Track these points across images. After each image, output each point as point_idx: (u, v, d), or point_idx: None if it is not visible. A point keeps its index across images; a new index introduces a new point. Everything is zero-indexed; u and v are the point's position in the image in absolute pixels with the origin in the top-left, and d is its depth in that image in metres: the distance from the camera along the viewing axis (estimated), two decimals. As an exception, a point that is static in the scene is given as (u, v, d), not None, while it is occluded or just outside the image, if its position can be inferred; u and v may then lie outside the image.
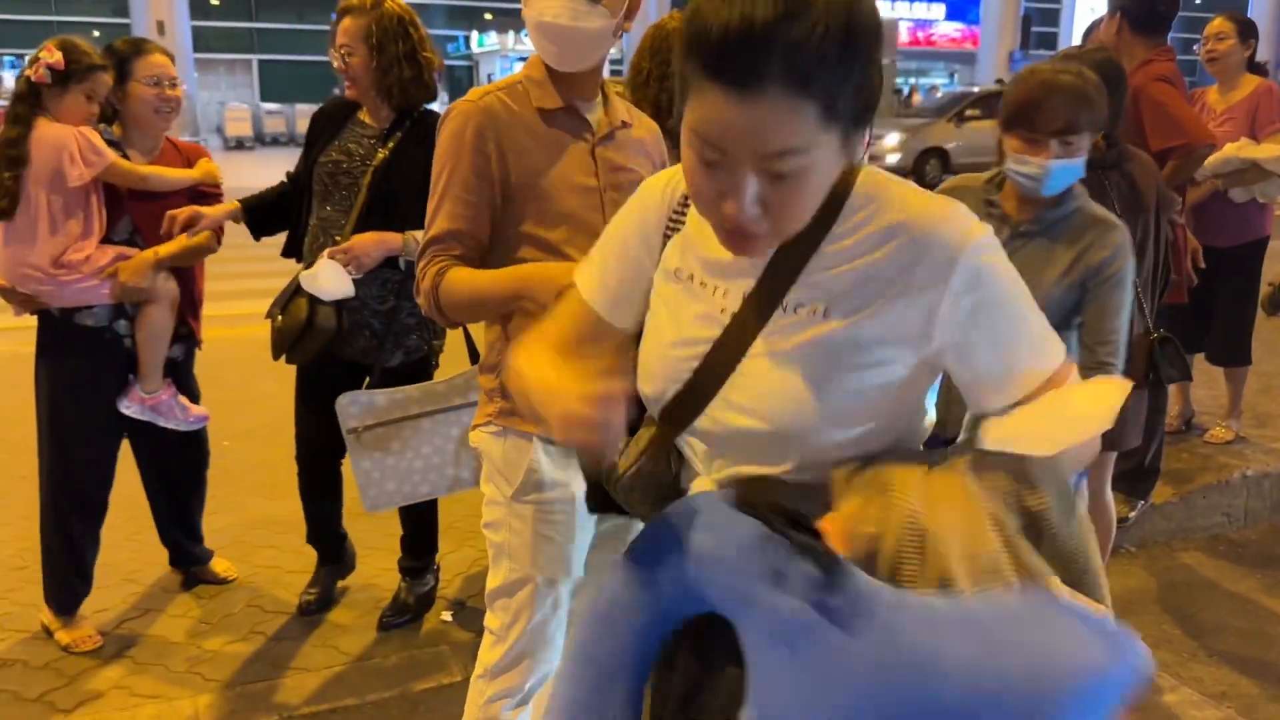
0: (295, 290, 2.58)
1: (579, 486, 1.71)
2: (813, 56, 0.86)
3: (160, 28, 23.64)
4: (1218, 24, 3.91)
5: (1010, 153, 2.03)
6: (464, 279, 1.63)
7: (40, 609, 2.84)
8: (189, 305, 2.85)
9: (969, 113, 17.06)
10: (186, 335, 2.88)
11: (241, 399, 4.66)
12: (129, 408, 2.76)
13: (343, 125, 2.67)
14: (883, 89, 0.96)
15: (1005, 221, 2.10)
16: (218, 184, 2.88)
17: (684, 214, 1.14)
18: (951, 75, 41.85)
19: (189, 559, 3.14)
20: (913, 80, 38.18)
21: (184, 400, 2.87)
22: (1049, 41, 39.82)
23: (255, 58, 31.67)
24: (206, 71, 28.68)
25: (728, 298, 1.07)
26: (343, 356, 2.64)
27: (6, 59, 28.85)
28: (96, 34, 29.46)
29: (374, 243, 2.48)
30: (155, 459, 3.00)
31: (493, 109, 1.65)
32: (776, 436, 1.03)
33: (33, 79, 2.56)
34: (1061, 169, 1.99)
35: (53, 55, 2.55)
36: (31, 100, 2.58)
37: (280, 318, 2.60)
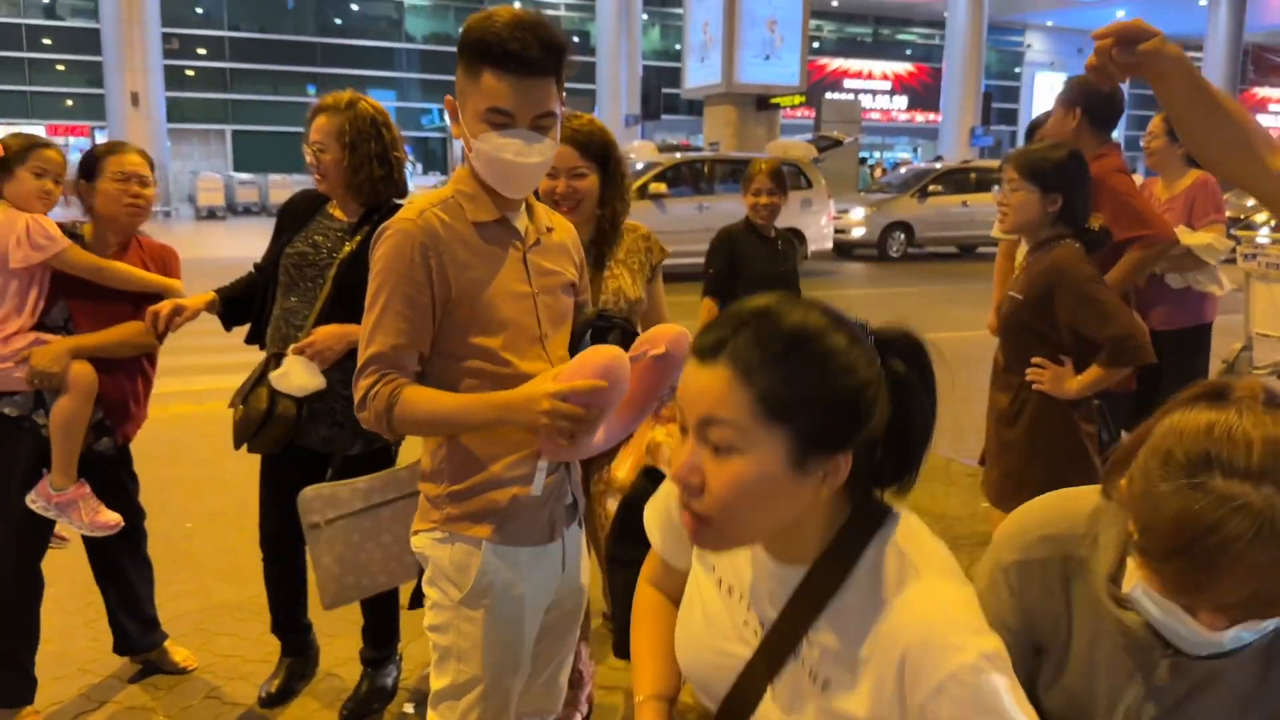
0: (257, 381, 2.60)
1: (527, 585, 1.77)
2: (757, 350, 0.95)
3: (135, 99, 23.77)
4: (1155, 122, 4.11)
5: (1150, 591, 1.08)
6: (424, 401, 1.67)
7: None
8: (123, 401, 2.80)
9: (932, 188, 17.52)
10: (112, 429, 2.81)
11: (207, 478, 4.63)
12: (35, 502, 2.69)
13: (311, 217, 2.72)
14: (857, 392, 0.96)
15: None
16: (176, 294, 2.81)
17: None
18: (915, 149, 42.99)
19: (137, 646, 3.05)
20: (877, 155, 39.18)
21: (95, 504, 2.78)
22: (1009, 117, 41.08)
23: (229, 128, 31.95)
24: (180, 141, 28.86)
25: (750, 614, 1.09)
26: (304, 445, 2.65)
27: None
28: (70, 103, 29.67)
29: (337, 336, 2.51)
30: (95, 542, 2.91)
31: (432, 226, 1.69)
32: None
33: None
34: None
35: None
36: None
37: (241, 408, 2.62)
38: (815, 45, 33.91)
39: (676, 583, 1.26)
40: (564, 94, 1.74)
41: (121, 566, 2.99)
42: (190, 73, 30.46)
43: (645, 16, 32.13)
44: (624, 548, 1.89)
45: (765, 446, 0.94)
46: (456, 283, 1.69)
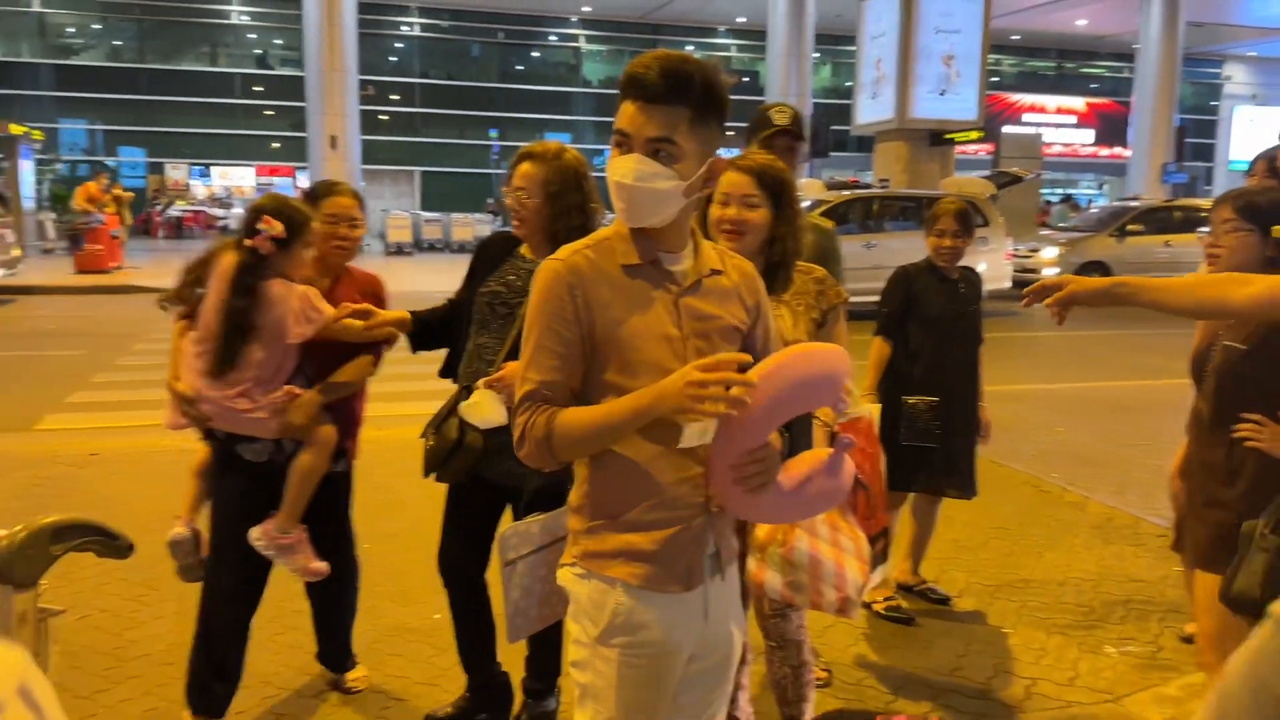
0: (449, 413, 2.72)
1: (663, 630, 1.73)
2: None
3: (333, 141, 25.46)
4: None
5: None
6: (577, 417, 1.69)
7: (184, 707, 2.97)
8: (347, 425, 3.03)
9: (1131, 227, 16.60)
10: (343, 453, 3.06)
11: (386, 501, 4.84)
12: (258, 540, 2.89)
13: (504, 258, 2.83)
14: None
15: None
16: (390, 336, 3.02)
17: None
18: (1100, 186, 40.81)
19: (332, 663, 3.25)
20: (1065, 191, 37.46)
21: (310, 552, 2.99)
22: (1204, 153, 38.43)
23: (418, 169, 33.75)
24: (373, 181, 30.66)
25: None
26: (489, 477, 2.73)
27: (195, 169, 31.60)
28: (276, 145, 32.08)
29: None
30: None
31: (577, 265, 1.72)
32: None
33: (261, 251, 2.78)
34: None
35: (274, 227, 2.76)
36: (257, 271, 2.79)
37: (432, 438, 2.74)
38: (994, 80, 32.85)
39: None
40: (722, 133, 1.75)
41: (326, 585, 3.16)
42: (384, 117, 32.40)
43: (816, 55, 32.02)
44: None
45: None
46: (599, 322, 1.70)
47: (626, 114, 1.69)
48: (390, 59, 33.91)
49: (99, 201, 18.09)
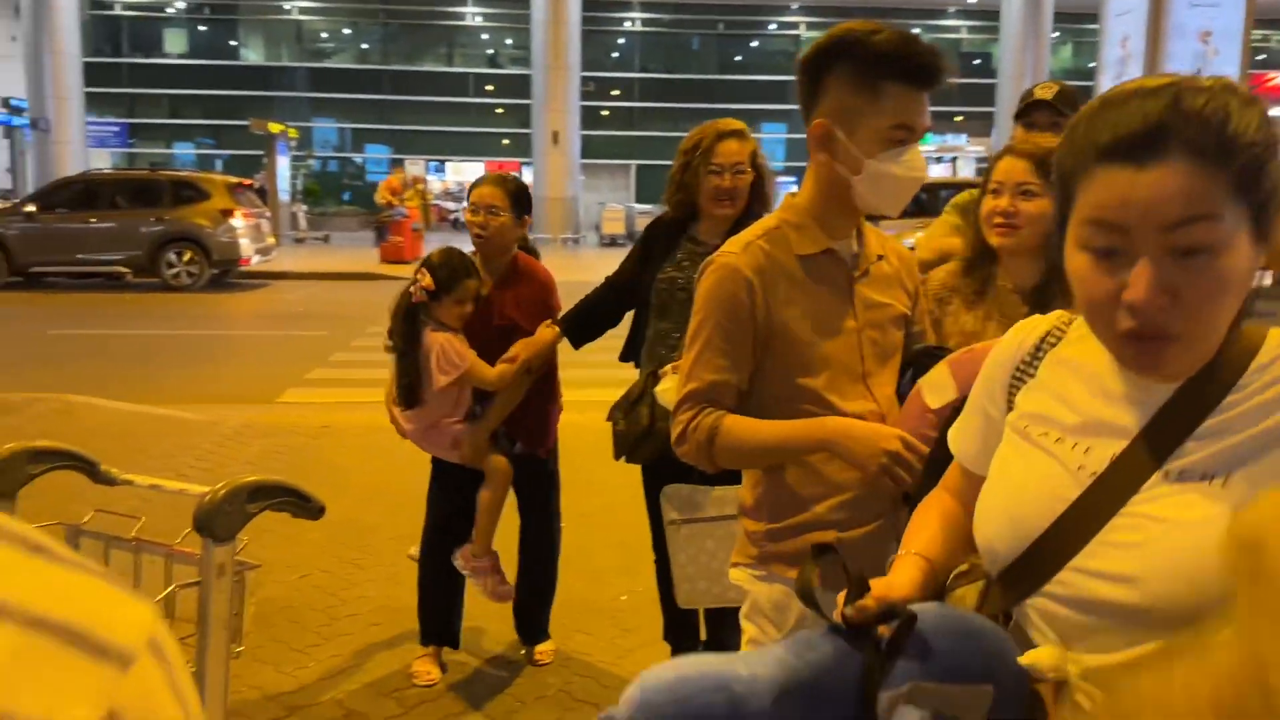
0: (639, 397, 2.75)
1: None
2: (1213, 124, 0.87)
3: (555, 137, 26.40)
4: None
5: None
6: (745, 429, 1.64)
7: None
8: (543, 420, 3.24)
9: None
10: (538, 441, 3.26)
11: (581, 482, 4.94)
12: (458, 563, 3.19)
13: (676, 242, 2.84)
14: None
15: None
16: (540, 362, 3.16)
17: (1035, 363, 1.09)
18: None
19: (527, 636, 3.38)
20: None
21: (500, 576, 3.24)
22: None
23: (634, 163, 34.45)
24: (591, 175, 31.57)
25: (1090, 455, 0.99)
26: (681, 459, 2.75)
27: (431, 165, 33.60)
28: (505, 142, 33.62)
29: None
30: (522, 539, 3.36)
31: (756, 260, 1.65)
32: (1150, 614, 0.91)
33: (414, 299, 3.02)
34: None
35: (426, 279, 3.00)
36: (411, 316, 3.04)
37: (622, 422, 2.78)
38: (1260, 58, 29.72)
39: (973, 492, 1.14)
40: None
41: (529, 569, 3.36)
42: (604, 113, 33.28)
43: (1055, 34, 30.08)
44: None
45: (1237, 227, 0.89)
46: (777, 319, 1.64)
47: (912, 103, 1.57)
48: (611, 55, 34.75)
49: (400, 195, 18.88)
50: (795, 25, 35.44)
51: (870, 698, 0.89)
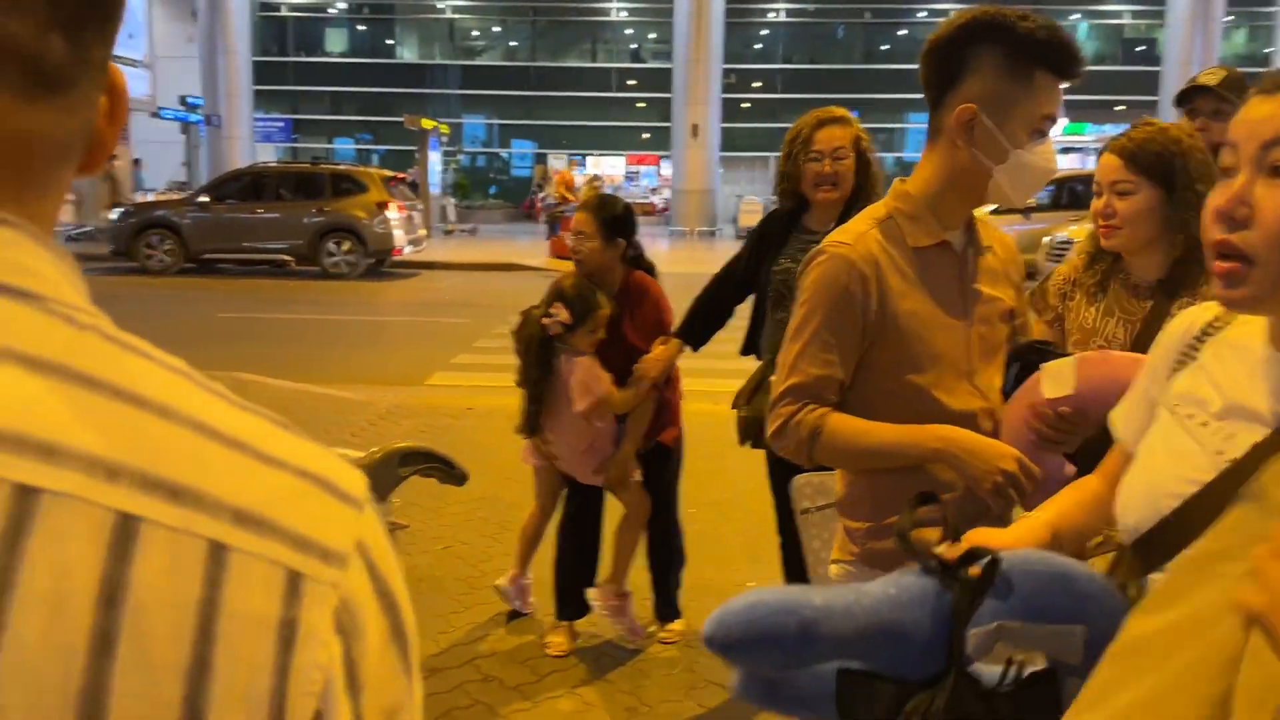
0: (759, 385, 2.81)
1: None
2: None
3: (695, 130, 26.48)
4: None
5: None
6: (852, 431, 1.60)
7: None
8: (662, 415, 3.33)
9: None
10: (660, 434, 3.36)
11: (712, 469, 5.01)
12: (594, 601, 3.38)
13: (788, 234, 2.86)
14: None
15: None
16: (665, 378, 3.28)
17: (1199, 345, 1.13)
18: None
19: (659, 614, 3.51)
20: None
21: (633, 616, 3.41)
22: None
23: (773, 155, 34.17)
24: (730, 168, 31.49)
25: (1231, 442, 1.02)
26: None
27: (574, 159, 34.18)
28: (645, 136, 33.91)
29: None
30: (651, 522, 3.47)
31: (869, 251, 1.59)
32: None
33: (550, 331, 3.15)
34: None
35: (562, 314, 3.13)
36: (545, 346, 3.19)
37: (745, 409, 2.83)
38: None
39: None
40: None
41: (656, 549, 3.50)
42: (745, 105, 33.15)
43: (1228, 18, 28.19)
44: None
45: None
46: (889, 313, 1.59)
47: (1057, 94, 1.55)
48: (754, 47, 34.53)
49: (574, 190, 19.00)
50: (946, 13, 34.37)
51: (957, 635, 0.93)
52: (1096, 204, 2.06)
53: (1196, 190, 1.90)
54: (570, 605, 3.39)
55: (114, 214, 15.19)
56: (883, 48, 35.08)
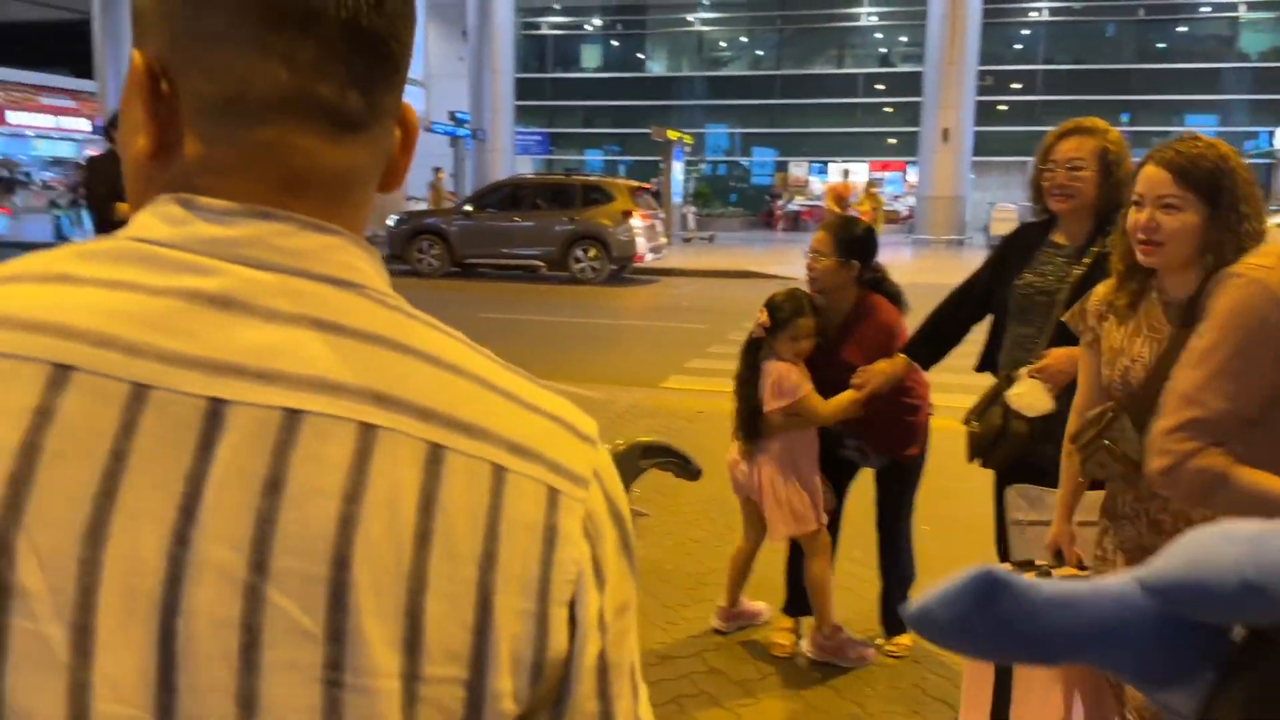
0: (991, 401, 2.74)
1: None
2: None
3: (945, 134, 25.56)
4: None
5: None
6: (1262, 483, 1.48)
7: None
8: (904, 433, 3.32)
9: None
10: (889, 450, 3.36)
11: (953, 488, 4.87)
12: (809, 652, 3.36)
13: (1034, 249, 2.76)
14: None
15: None
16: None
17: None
18: None
19: (887, 628, 3.49)
20: None
21: (853, 642, 3.36)
22: None
23: (1029, 160, 32.40)
24: (982, 174, 30.19)
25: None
26: (1034, 463, 2.68)
27: (814, 166, 33.93)
28: (892, 141, 33.07)
29: (1069, 359, 2.50)
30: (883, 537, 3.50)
31: None
32: None
33: (753, 335, 3.31)
34: None
35: (764, 317, 3.25)
36: (754, 349, 3.31)
37: (976, 425, 2.78)
38: None
39: None
40: None
41: (887, 564, 3.49)
42: (1002, 107, 31.65)
43: None
44: None
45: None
46: None
47: None
48: (1013, 47, 32.90)
49: (844, 202, 18.24)
50: (1234, 6, 31.34)
51: None
52: (1137, 218, 1.89)
53: (1239, 211, 1.79)
54: (799, 601, 3.43)
55: (391, 220, 16.66)
56: (1159, 46, 32.43)
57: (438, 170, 21.76)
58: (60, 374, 0.51)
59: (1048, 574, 2.26)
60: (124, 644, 0.50)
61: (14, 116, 25.12)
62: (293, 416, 0.53)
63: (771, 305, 3.27)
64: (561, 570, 0.58)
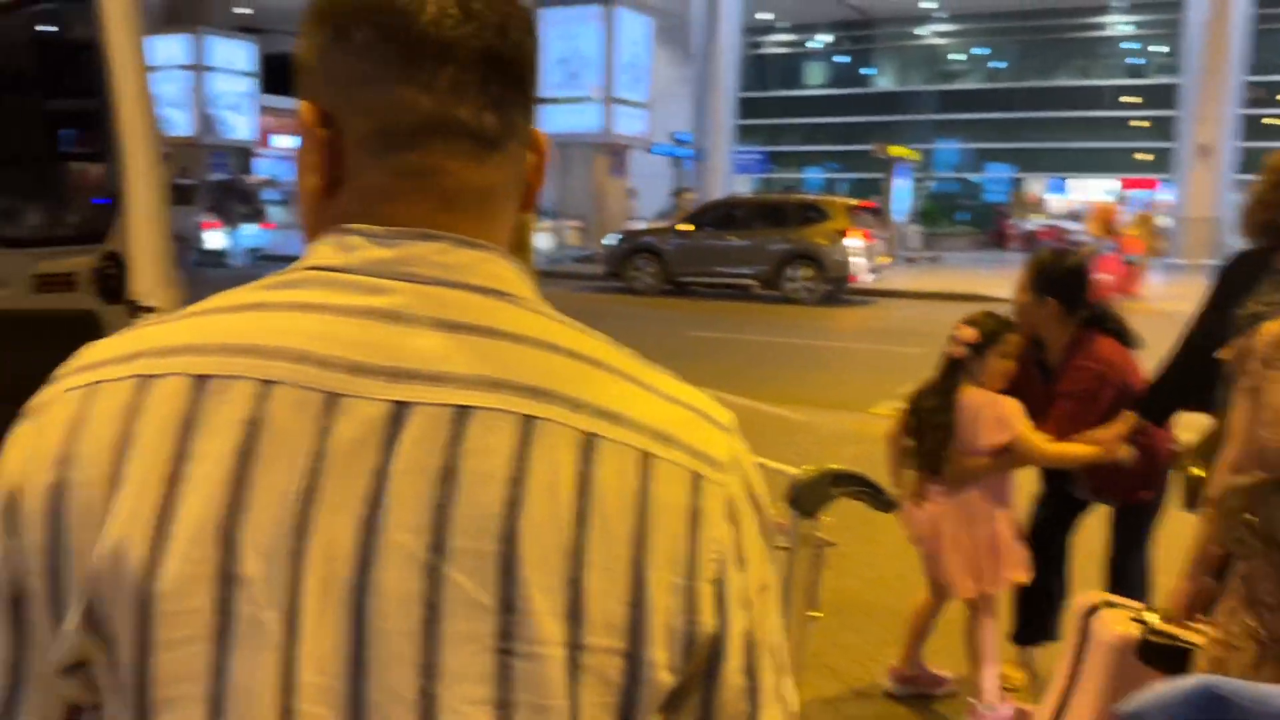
0: (1215, 443, 2.47)
1: None
2: None
3: (1203, 151, 23.53)
4: None
5: None
6: None
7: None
8: (1140, 477, 2.98)
9: None
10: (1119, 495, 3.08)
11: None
12: (894, 685, 3.21)
13: (1259, 274, 2.45)
14: None
15: None
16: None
17: None
18: None
19: None
20: None
21: (934, 675, 3.21)
22: None
23: (1305, 177, 29.20)
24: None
25: None
26: None
27: (1052, 183, 32.06)
28: (1141, 157, 30.75)
29: None
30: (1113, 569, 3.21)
31: None
32: None
33: (954, 356, 2.94)
34: None
35: (966, 334, 2.92)
36: (954, 374, 2.95)
37: (1197, 467, 2.52)
38: None
39: None
40: None
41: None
42: (1271, 121, 28.77)
43: None
44: None
45: None
46: None
47: None
48: (1288, 54, 29.86)
49: (1110, 226, 15.94)
50: None
51: None
52: None
53: None
54: (1029, 628, 3.19)
55: (610, 239, 17.11)
56: None
57: (684, 190, 22.26)
58: (265, 389, 0.60)
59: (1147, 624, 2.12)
60: (324, 623, 0.58)
61: (279, 140, 27.80)
62: (462, 413, 0.60)
63: (976, 320, 2.96)
64: (706, 549, 0.62)
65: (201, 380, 0.60)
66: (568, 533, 0.59)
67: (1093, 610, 2.29)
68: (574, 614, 0.58)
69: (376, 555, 0.58)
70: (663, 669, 0.60)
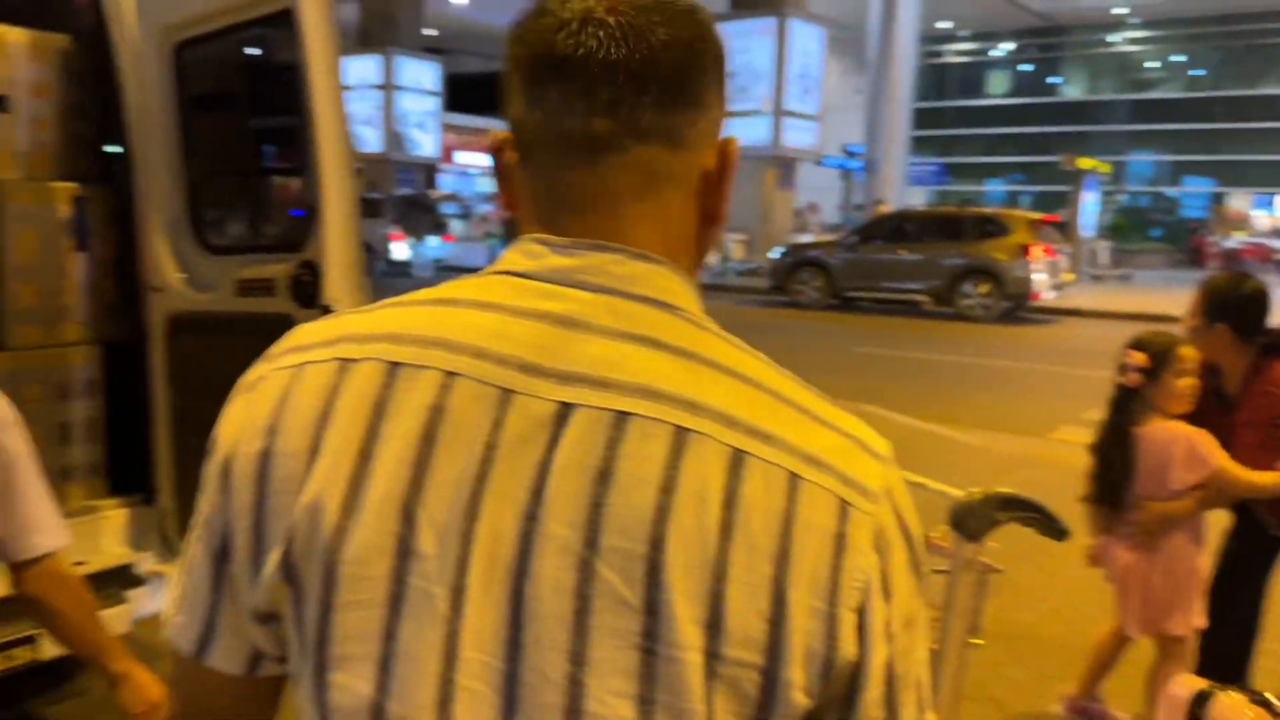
0: None
1: None
2: None
3: None
4: None
5: None
6: None
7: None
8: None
9: None
10: None
11: None
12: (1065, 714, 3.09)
13: None
14: None
15: None
16: None
17: None
18: None
19: None
20: None
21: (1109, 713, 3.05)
22: None
23: None
24: None
25: None
26: None
27: (1261, 199, 29.65)
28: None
29: None
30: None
31: None
32: None
33: (1129, 385, 2.75)
34: None
35: (1135, 358, 2.72)
36: (1129, 409, 2.78)
37: None
38: None
39: None
40: None
41: None
42: None
43: None
44: None
45: None
46: None
47: None
48: None
49: None
50: None
51: None
52: None
53: None
54: (1210, 667, 2.95)
55: (775, 253, 16.96)
56: None
57: (878, 202, 21.95)
58: (449, 379, 0.64)
59: None
60: (485, 603, 0.61)
61: (460, 156, 28.99)
62: (622, 418, 0.62)
63: (1143, 343, 2.76)
64: (850, 577, 0.62)
65: (394, 367, 0.65)
66: (712, 544, 0.60)
67: (1203, 699, 2.04)
68: (713, 624, 0.59)
69: (535, 544, 0.61)
70: (799, 690, 0.61)
